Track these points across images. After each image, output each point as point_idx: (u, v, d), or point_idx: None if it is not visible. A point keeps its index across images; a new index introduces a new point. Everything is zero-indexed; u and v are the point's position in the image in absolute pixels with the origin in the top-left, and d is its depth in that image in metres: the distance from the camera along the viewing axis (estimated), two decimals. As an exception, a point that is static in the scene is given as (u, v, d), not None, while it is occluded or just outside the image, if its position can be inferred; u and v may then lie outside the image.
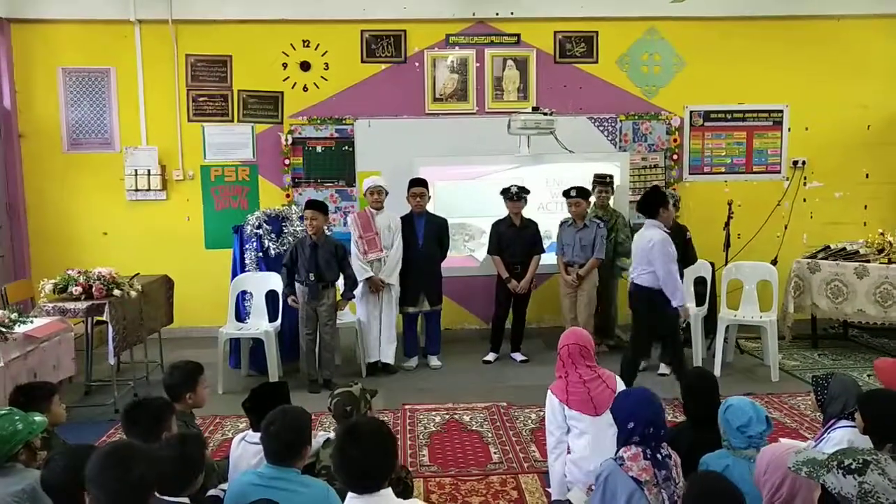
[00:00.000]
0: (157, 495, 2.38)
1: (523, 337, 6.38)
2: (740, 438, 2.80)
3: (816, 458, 2.13)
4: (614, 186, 6.44)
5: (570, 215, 6.08)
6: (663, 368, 5.81)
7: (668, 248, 4.89)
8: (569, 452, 3.43)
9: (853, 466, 2.02)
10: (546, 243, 6.38)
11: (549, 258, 6.40)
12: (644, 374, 5.44)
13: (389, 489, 2.31)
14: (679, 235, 5.64)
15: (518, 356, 6.29)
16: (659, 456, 2.72)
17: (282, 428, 2.62)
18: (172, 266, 6.39)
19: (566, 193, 6.06)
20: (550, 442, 3.50)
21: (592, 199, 6.27)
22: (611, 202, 6.44)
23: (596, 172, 6.41)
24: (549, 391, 3.53)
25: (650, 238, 4.92)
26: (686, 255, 5.74)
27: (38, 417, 2.78)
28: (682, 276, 5.25)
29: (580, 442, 3.38)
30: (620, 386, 3.47)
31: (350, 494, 2.29)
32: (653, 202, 5.03)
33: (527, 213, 6.25)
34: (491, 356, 6.30)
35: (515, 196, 6.07)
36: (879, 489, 1.96)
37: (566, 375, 3.50)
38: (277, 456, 2.62)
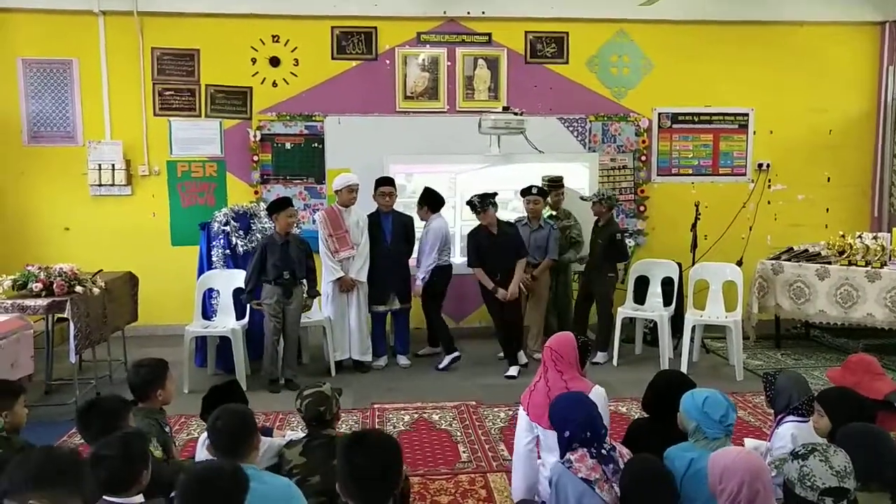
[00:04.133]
0: (104, 497, 2.33)
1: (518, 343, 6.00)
2: (719, 428, 2.78)
3: (784, 456, 2.22)
4: (565, 188, 6.49)
5: (525, 214, 6.14)
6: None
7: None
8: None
9: (800, 453, 2.13)
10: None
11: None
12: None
13: None
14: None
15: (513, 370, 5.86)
16: (604, 451, 2.75)
17: (227, 421, 2.63)
18: (137, 263, 6.28)
19: (526, 191, 6.07)
20: (515, 450, 3.34)
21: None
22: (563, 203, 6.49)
23: (547, 176, 6.42)
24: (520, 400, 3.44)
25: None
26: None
27: None
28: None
29: (550, 459, 3.13)
30: (598, 397, 3.15)
31: None
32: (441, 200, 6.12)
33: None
34: (513, 370, 5.83)
35: (479, 207, 5.74)
36: (817, 473, 2.05)
37: (537, 381, 3.34)
38: (228, 451, 2.59)
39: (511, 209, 6.58)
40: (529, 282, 6.08)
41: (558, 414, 2.90)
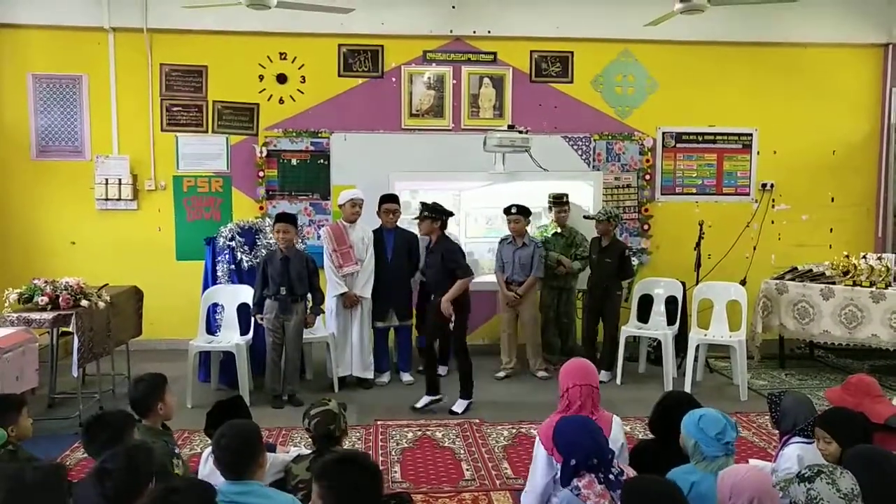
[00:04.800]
0: None
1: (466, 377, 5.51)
2: (717, 446, 2.76)
3: (790, 477, 2.22)
4: (570, 205, 6.49)
5: (509, 232, 6.13)
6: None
7: None
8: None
9: (806, 475, 2.14)
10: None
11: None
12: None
13: None
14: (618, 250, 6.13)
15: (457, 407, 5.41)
16: (612, 476, 2.71)
17: (232, 439, 2.61)
18: (142, 277, 6.29)
19: (506, 211, 6.09)
20: (531, 486, 3.07)
21: (550, 217, 6.44)
22: (567, 220, 6.49)
23: (551, 193, 6.45)
24: (537, 434, 3.14)
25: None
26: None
27: None
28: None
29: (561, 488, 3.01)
30: (618, 428, 3.16)
31: None
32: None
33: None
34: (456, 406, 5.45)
35: (419, 215, 5.45)
36: (825, 496, 2.06)
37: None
38: (233, 468, 2.58)
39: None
40: (515, 300, 6.11)
41: (564, 440, 2.81)
